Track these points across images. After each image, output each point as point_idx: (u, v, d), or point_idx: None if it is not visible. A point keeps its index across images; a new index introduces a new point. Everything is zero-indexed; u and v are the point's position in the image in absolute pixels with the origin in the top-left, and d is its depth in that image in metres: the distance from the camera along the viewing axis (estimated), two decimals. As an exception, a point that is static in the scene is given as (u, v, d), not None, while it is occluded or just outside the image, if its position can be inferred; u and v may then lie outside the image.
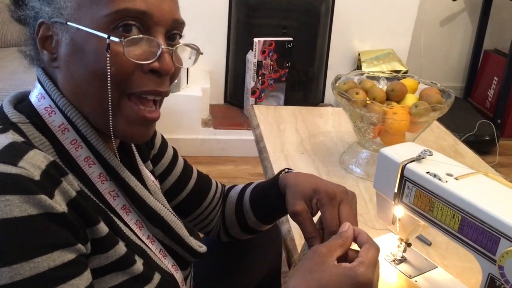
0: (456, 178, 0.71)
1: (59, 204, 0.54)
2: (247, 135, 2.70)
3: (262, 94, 2.78)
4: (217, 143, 2.77)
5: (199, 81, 2.78)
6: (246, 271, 0.98)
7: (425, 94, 1.22)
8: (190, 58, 0.70)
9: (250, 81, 2.76)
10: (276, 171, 1.24)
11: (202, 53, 0.71)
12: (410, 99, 1.23)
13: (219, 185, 0.97)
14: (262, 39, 2.66)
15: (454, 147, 1.46)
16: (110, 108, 0.61)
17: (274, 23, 2.86)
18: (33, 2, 0.64)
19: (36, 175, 0.52)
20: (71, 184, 0.57)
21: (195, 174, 0.93)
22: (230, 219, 0.93)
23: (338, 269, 0.59)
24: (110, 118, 0.62)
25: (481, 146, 2.92)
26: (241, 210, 0.91)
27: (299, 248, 0.95)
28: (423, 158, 0.75)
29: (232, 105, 3.04)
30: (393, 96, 1.24)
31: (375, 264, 0.61)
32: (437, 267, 0.87)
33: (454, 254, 0.95)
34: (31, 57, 0.69)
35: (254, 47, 2.66)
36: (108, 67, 0.59)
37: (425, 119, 1.17)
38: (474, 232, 0.66)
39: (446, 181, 0.70)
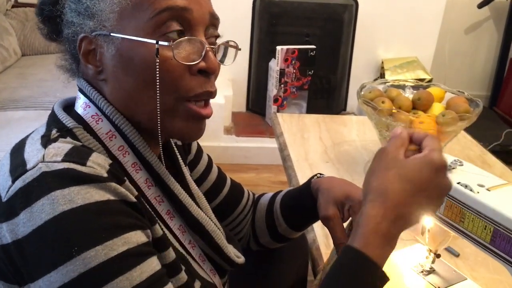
0: (488, 189, 0.70)
1: (129, 195, 0.57)
2: (269, 143, 2.70)
3: (285, 102, 2.78)
4: (239, 150, 2.77)
5: (221, 89, 2.78)
6: (274, 280, 0.97)
7: (452, 103, 1.21)
8: (225, 56, 0.71)
9: (273, 89, 2.76)
10: (300, 180, 1.23)
11: (240, 49, 0.72)
12: (437, 108, 1.22)
13: (250, 194, 0.97)
14: (285, 47, 2.67)
15: (482, 157, 1.44)
16: (158, 112, 0.62)
17: (297, 31, 2.86)
18: (72, 17, 0.64)
19: (104, 173, 0.56)
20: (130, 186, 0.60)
21: (228, 182, 0.93)
22: (260, 226, 0.93)
23: (414, 160, 0.59)
24: (159, 122, 0.63)
25: (508, 156, 2.86)
26: (271, 217, 0.91)
27: (324, 258, 0.95)
28: (453, 168, 0.74)
29: (254, 112, 3.05)
30: (420, 105, 1.22)
31: (441, 149, 0.61)
32: (466, 279, 0.85)
33: (483, 266, 0.94)
34: (72, 71, 0.69)
35: (276, 55, 2.67)
36: (158, 73, 0.60)
37: (452, 128, 1.15)
38: (507, 244, 0.65)
39: (478, 192, 0.69)
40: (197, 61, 0.62)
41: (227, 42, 0.70)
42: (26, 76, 2.50)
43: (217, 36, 0.68)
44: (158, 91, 0.61)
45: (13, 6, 2.95)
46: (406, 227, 0.59)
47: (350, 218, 0.75)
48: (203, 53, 0.63)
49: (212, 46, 0.64)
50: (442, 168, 0.59)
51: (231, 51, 0.71)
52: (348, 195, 0.76)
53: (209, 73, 0.64)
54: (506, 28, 3.38)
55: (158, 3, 0.60)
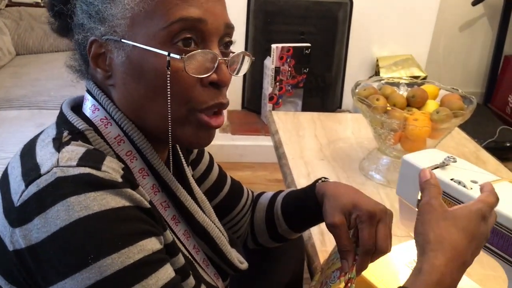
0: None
1: (144, 201, 0.57)
2: (264, 141, 2.70)
3: (280, 100, 2.79)
4: (235, 148, 2.77)
5: (217, 87, 2.79)
6: (270, 278, 0.98)
7: (446, 100, 1.21)
8: (241, 65, 0.70)
9: (268, 87, 2.76)
10: (295, 177, 1.24)
11: (253, 59, 0.71)
12: (431, 105, 1.22)
13: (250, 192, 0.96)
14: (280, 45, 2.67)
15: (476, 154, 1.44)
16: (169, 120, 0.62)
17: (292, 29, 2.87)
18: (83, 19, 0.63)
19: (118, 178, 0.55)
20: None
21: (229, 180, 0.93)
22: (259, 226, 0.93)
23: (464, 210, 0.61)
24: (170, 130, 0.62)
25: (502, 153, 2.88)
26: (272, 218, 0.91)
27: (320, 255, 0.95)
28: (447, 165, 0.75)
29: (250, 111, 3.05)
30: (414, 102, 1.23)
31: (491, 205, 0.63)
32: (461, 275, 0.86)
33: (477, 262, 0.93)
34: (81, 72, 0.68)
35: (272, 53, 2.67)
36: (169, 84, 0.59)
37: (446, 125, 1.16)
38: (501, 240, 0.65)
39: (471, 188, 0.69)
40: (209, 74, 0.61)
41: (243, 53, 0.69)
42: (20, 75, 2.49)
43: (231, 43, 0.67)
44: (169, 101, 0.60)
45: (7, 5, 2.93)
46: (462, 275, 0.61)
47: (356, 226, 0.75)
48: (216, 66, 0.61)
49: (225, 59, 0.63)
50: (486, 217, 0.62)
51: (245, 60, 0.70)
52: (356, 204, 0.74)
53: (220, 85, 0.63)
54: (500, 26, 3.39)
55: (171, 13, 0.59)
